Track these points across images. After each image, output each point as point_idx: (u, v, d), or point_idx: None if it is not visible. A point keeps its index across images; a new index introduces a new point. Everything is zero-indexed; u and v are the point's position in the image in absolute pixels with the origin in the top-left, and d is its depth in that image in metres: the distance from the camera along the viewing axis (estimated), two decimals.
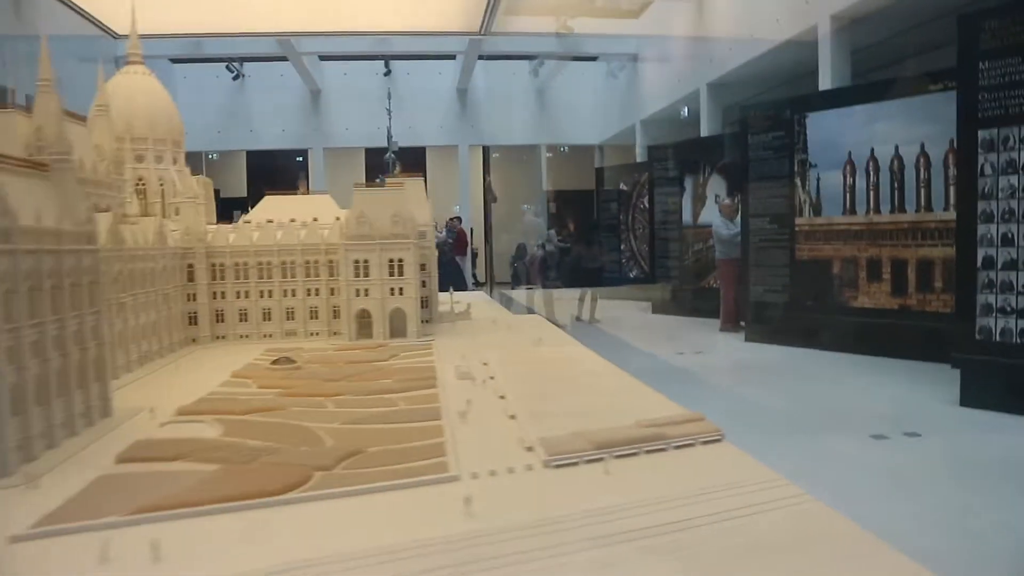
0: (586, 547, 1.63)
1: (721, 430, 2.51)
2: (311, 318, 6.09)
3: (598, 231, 17.87)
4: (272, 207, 6.62)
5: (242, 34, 18.58)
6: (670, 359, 12.09)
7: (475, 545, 1.66)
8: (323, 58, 24.81)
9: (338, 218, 6.06)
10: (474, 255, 21.00)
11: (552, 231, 23.35)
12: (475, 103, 25.78)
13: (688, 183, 16.82)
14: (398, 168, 24.53)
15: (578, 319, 16.40)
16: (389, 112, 21.74)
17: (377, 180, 23.78)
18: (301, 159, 26.97)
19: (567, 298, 17.30)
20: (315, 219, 6.10)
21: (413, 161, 25.94)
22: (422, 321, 6.12)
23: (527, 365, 4.50)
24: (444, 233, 21.27)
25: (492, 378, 3.80)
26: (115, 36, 15.98)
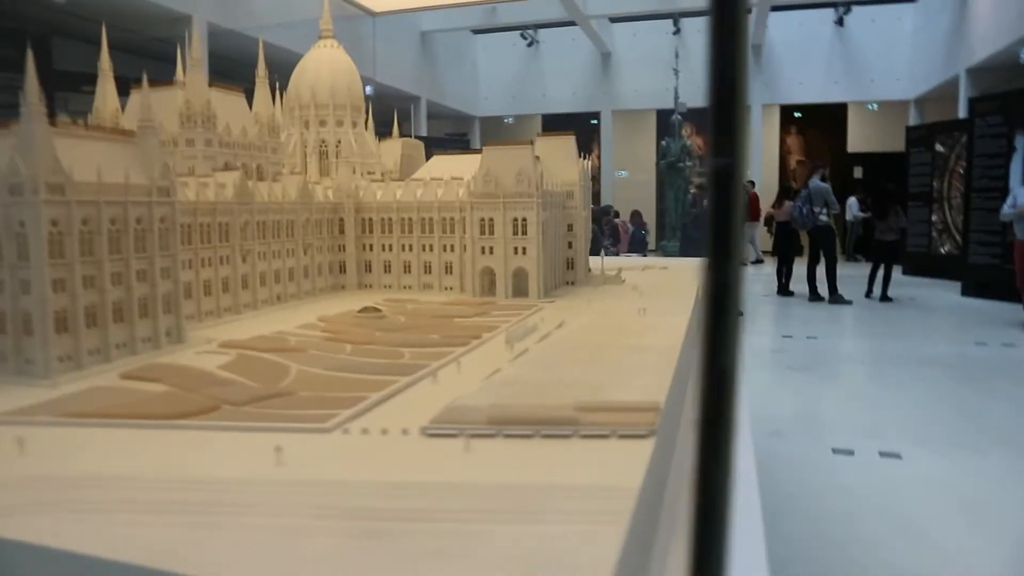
0: (275, 513, 1.60)
1: (654, 423, 2.20)
2: (446, 273, 6.21)
3: (894, 198, 15.68)
4: (438, 166, 6.81)
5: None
6: (965, 349, 10.64)
7: (212, 490, 1.72)
8: (613, 20, 24.69)
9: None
10: (768, 222, 19.67)
11: (853, 199, 21.16)
12: (769, 59, 23.89)
13: (1021, 143, 14.18)
14: (688, 130, 23.76)
15: (867, 296, 15.04)
16: (676, 72, 21.07)
17: (663, 142, 23.31)
18: (595, 121, 27.23)
19: (860, 274, 15.96)
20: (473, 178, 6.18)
21: (703, 122, 24.92)
22: (567, 282, 6.00)
23: (597, 333, 4.28)
24: None
25: (545, 337, 3.72)
26: (372, 14, 17.32)
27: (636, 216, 22.78)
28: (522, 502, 1.68)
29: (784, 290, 16.03)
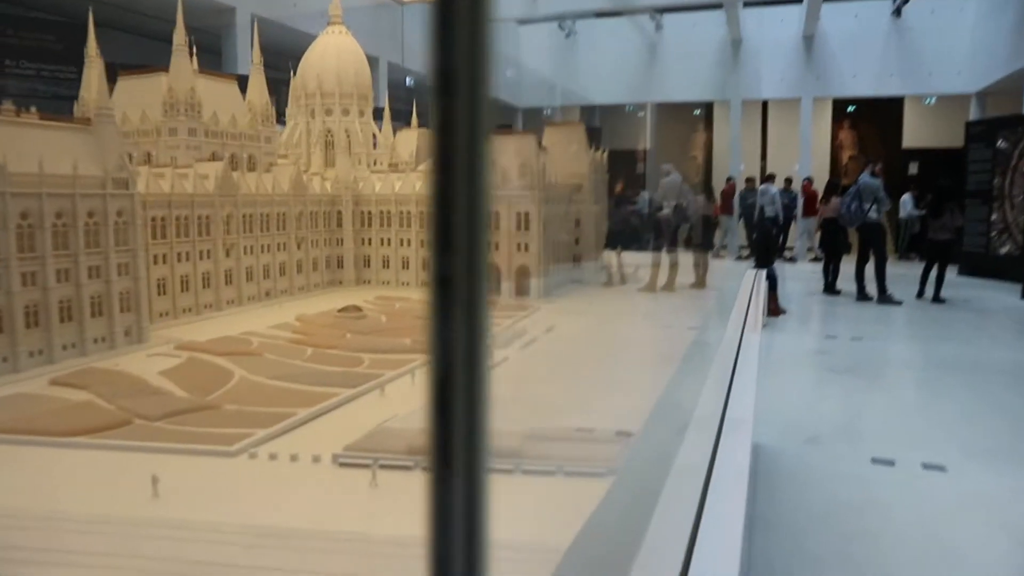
0: (64, 562, 1.58)
1: (614, 460, 1.91)
2: None
3: (950, 196, 15.01)
4: None
5: None
6: (1022, 356, 10.21)
7: (31, 528, 1.72)
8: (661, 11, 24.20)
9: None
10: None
11: (907, 195, 20.49)
12: (822, 51, 23.14)
13: None
14: None
15: (919, 297, 14.52)
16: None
17: None
18: (642, 114, 26.76)
19: (912, 274, 15.31)
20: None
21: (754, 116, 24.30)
22: (574, 280, 5.68)
23: (586, 340, 3.98)
24: (774, 194, 19.55)
25: (529, 344, 3.51)
26: (401, 2, 17.18)
27: (679, 209, 22.22)
28: (380, 564, 1.43)
29: (831, 288, 15.52)
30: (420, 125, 7.41)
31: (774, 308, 15.74)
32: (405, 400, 2.37)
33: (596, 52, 26.00)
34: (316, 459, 1.88)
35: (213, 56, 20.90)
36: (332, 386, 2.37)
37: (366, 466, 1.81)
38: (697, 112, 26.82)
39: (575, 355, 3.46)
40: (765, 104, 25.04)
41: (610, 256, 6.12)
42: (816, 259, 21.27)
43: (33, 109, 5.34)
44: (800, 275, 18.64)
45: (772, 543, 4.34)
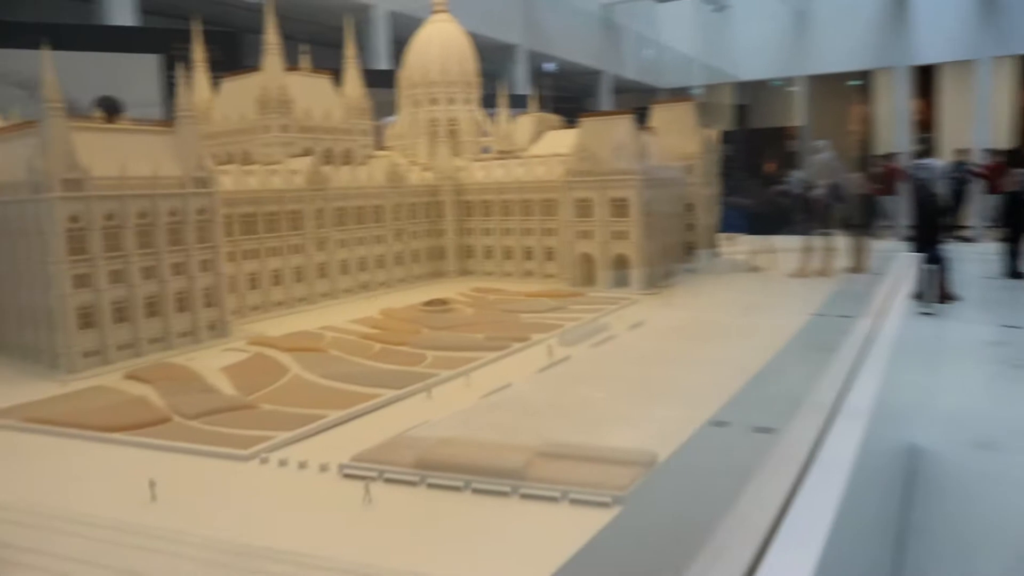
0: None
1: (626, 487, 1.49)
2: (547, 259, 5.46)
3: None
4: (553, 140, 6.03)
5: None
6: None
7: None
8: None
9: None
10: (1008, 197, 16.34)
11: None
12: (1007, 4, 20.54)
13: None
14: None
15: None
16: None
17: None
18: (861, 82, 25.21)
19: None
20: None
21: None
22: (687, 269, 5.03)
23: (671, 337, 3.43)
24: (937, 168, 17.65)
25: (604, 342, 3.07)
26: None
27: (834, 188, 20.58)
28: None
29: (1014, 272, 13.75)
30: (555, 111, 7.05)
31: (945, 294, 14.07)
32: (448, 403, 2.08)
33: (746, 25, 24.66)
34: (323, 468, 1.58)
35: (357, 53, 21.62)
36: (380, 387, 2.22)
37: (371, 478, 1.44)
38: (855, 83, 24.81)
39: (649, 355, 2.98)
40: (929, 69, 22.67)
41: (756, 243, 5.38)
42: (1000, 239, 19.05)
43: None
44: (978, 257, 16.72)
45: (929, 555, 3.70)
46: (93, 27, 42.99)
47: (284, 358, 25.00)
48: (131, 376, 2.63)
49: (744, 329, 21.91)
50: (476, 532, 1.07)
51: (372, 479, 1.36)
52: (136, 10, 60.25)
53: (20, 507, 1.28)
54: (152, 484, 1.28)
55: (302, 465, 1.45)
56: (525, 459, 1.41)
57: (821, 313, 17.02)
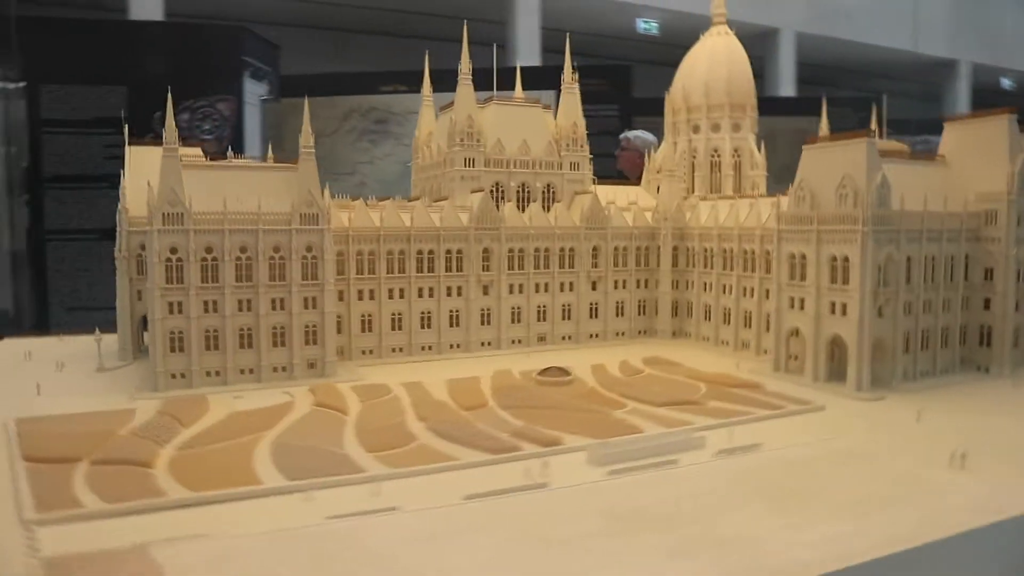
0: None
1: None
2: (767, 329, 3.81)
3: None
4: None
5: None
6: None
7: None
8: None
9: None
10: None
11: None
12: None
13: None
14: None
15: None
16: None
17: None
18: None
19: None
20: None
21: None
22: (978, 367, 3.31)
23: (774, 481, 1.84)
24: None
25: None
26: None
27: None
28: None
29: None
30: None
31: None
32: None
33: None
34: None
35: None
36: (308, 476, 1.43)
37: None
38: None
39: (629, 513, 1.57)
40: None
41: None
42: None
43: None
44: None
45: None
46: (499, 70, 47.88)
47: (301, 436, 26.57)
48: (164, 411, 2.10)
49: (922, 492, 20.21)
50: None
51: None
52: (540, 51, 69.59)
53: None
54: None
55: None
56: None
57: None
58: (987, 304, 34.03)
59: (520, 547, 16.55)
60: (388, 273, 39.08)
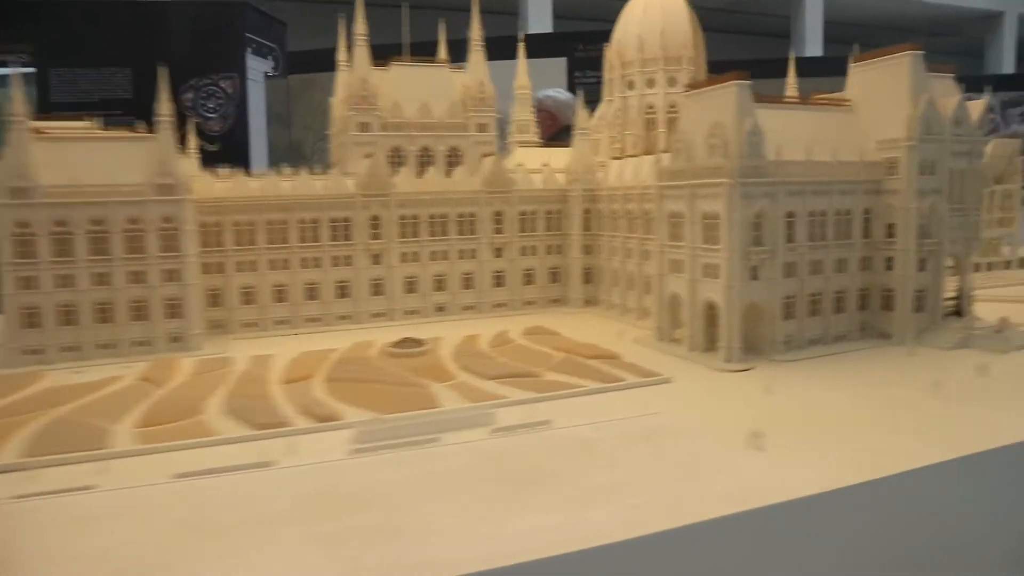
0: None
1: None
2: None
3: None
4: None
5: None
6: None
7: None
8: None
9: None
10: None
11: None
12: None
13: None
14: None
15: None
16: None
17: None
18: None
19: None
20: None
21: None
22: (880, 333, 4.09)
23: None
24: None
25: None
26: None
27: None
28: None
29: None
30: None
31: None
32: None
33: None
34: None
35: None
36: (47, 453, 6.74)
37: None
38: None
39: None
40: None
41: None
42: None
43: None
44: None
45: None
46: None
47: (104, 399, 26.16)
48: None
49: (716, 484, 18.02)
50: None
51: None
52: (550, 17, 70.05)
53: None
54: None
55: None
56: None
57: None
58: (890, 264, 30.54)
59: (172, 532, 15.23)
60: (269, 244, 37.68)
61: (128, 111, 43.25)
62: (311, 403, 23.82)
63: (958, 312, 31.83)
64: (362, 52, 40.77)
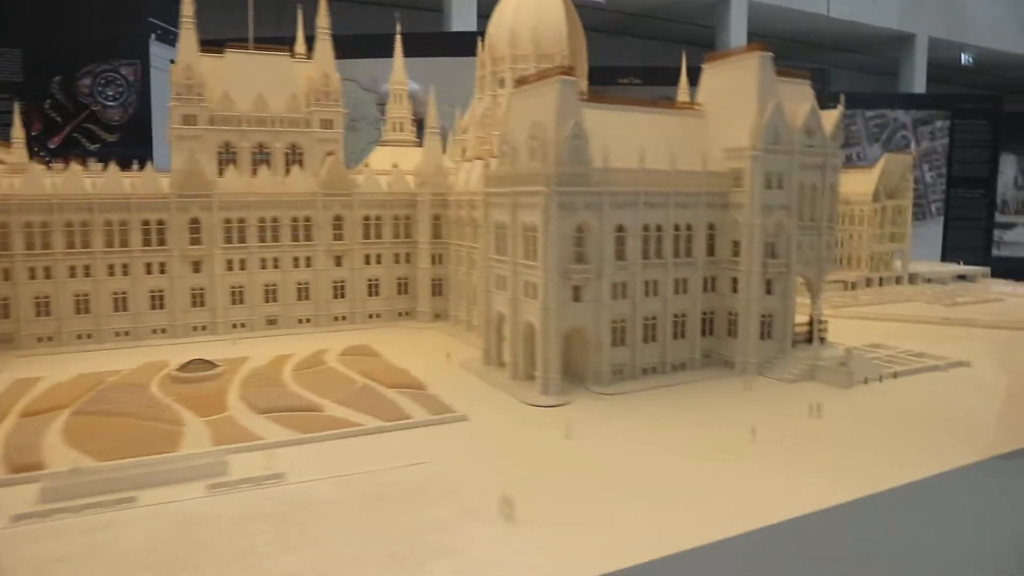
0: None
1: None
2: None
3: None
4: None
5: None
6: None
7: None
8: None
9: None
10: None
11: None
12: None
13: None
14: None
15: None
16: None
17: None
18: None
19: None
20: None
21: None
22: (725, 361, 7.89)
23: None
24: None
25: None
26: None
27: None
28: None
29: None
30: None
31: None
32: None
33: None
34: None
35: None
36: None
37: None
38: None
39: None
40: None
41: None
42: None
43: None
44: None
45: None
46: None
47: None
48: None
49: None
50: None
51: None
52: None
53: None
54: None
55: None
56: None
57: None
58: (736, 285, 27.84)
59: None
60: (68, 248, 33.46)
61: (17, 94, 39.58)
62: (21, 446, 19.90)
63: (810, 339, 29.36)
64: (188, 36, 36.83)
